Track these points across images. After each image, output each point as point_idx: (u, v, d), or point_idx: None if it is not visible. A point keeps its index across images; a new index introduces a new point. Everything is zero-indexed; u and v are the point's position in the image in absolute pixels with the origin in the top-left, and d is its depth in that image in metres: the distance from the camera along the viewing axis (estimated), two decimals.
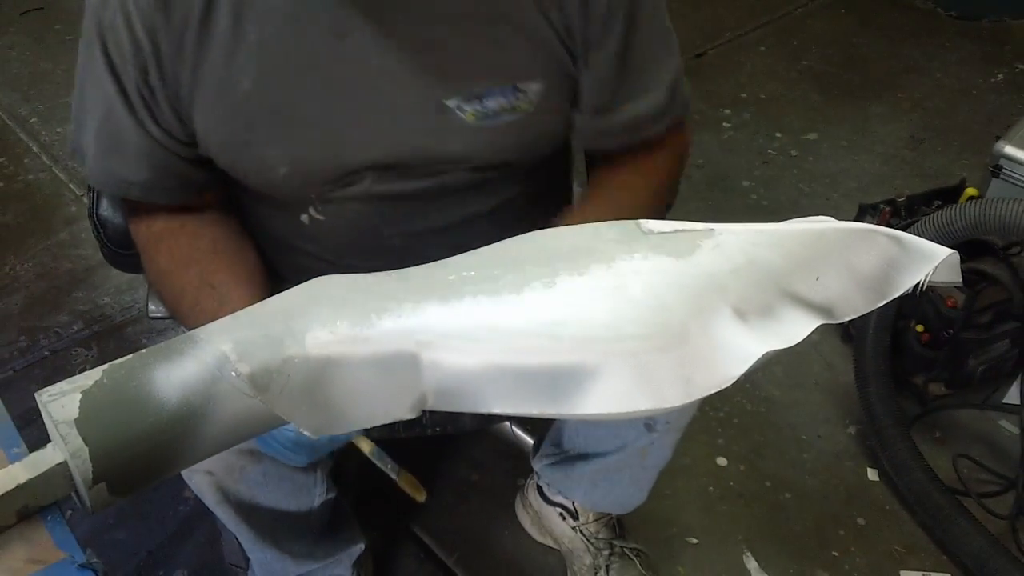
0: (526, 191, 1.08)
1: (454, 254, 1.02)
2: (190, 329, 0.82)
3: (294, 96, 0.92)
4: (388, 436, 1.08)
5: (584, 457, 1.33)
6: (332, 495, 1.22)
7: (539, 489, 1.53)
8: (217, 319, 0.70)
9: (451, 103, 0.94)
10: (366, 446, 0.96)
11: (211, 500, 1.11)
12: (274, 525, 1.17)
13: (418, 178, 0.99)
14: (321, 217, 1.02)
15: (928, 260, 0.74)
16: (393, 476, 0.98)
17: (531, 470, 1.50)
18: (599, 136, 1.05)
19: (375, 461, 0.97)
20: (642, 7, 0.96)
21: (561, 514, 1.50)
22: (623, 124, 1.03)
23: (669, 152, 1.10)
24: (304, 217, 1.03)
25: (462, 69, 0.93)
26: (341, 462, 1.25)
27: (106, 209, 1.17)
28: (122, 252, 1.18)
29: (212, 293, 0.96)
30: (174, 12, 0.88)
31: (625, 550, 1.48)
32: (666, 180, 1.11)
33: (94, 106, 0.95)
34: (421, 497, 1.00)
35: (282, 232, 1.07)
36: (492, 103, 0.94)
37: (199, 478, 1.08)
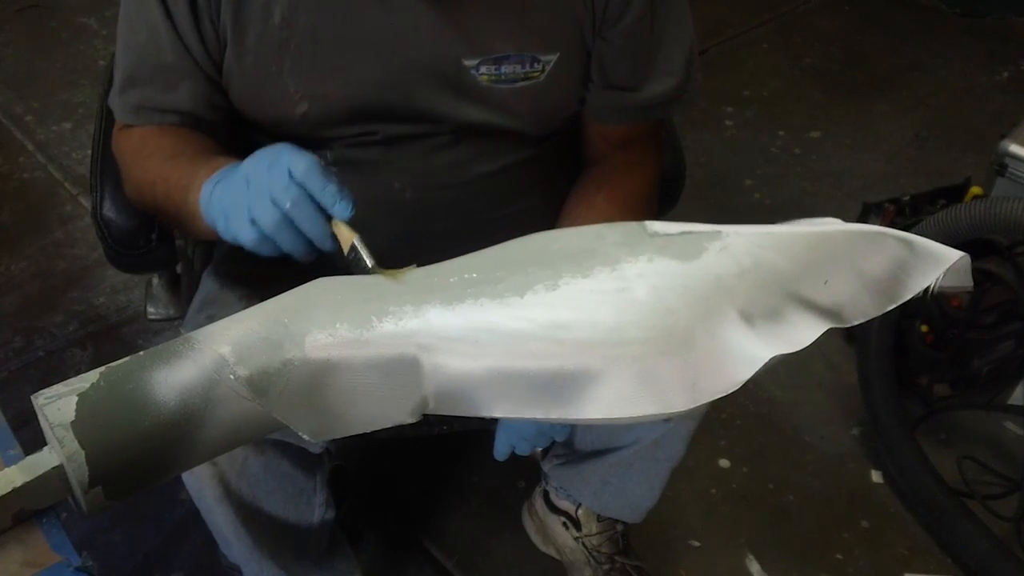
0: (537, 157, 1.10)
1: (461, 209, 1.02)
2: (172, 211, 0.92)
3: (319, 34, 0.95)
4: (395, 435, 1.07)
5: (597, 454, 1.31)
6: (331, 515, 1.21)
7: (545, 495, 1.51)
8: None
9: (469, 63, 0.97)
10: (346, 234, 0.80)
11: (212, 497, 1.08)
12: (275, 534, 1.15)
13: (428, 132, 1.02)
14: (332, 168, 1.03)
15: (938, 263, 0.74)
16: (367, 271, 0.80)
17: (533, 472, 1.48)
18: (612, 112, 1.08)
19: (351, 255, 0.79)
20: None
21: (564, 523, 1.48)
22: (639, 103, 1.06)
23: (656, 145, 1.14)
24: None
25: (487, 34, 0.97)
26: (338, 476, 1.24)
27: (110, 209, 1.17)
28: (125, 252, 1.18)
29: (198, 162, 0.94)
30: None
31: (627, 567, 1.46)
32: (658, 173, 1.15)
33: (133, 42, 0.98)
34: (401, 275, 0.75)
35: None
36: (508, 68, 0.98)
37: (201, 471, 1.07)
